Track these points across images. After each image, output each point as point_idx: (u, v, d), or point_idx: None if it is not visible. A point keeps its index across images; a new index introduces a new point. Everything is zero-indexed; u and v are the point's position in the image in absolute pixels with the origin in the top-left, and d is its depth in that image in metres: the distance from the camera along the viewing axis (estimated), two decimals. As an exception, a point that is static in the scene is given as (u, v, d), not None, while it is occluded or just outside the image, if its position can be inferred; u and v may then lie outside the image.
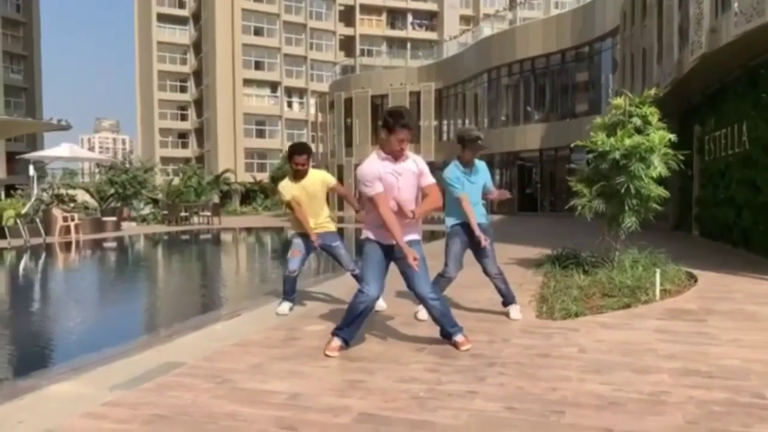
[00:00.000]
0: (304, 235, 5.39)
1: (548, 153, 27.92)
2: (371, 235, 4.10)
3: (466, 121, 32.61)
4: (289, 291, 5.42)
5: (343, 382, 3.48)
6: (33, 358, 4.69)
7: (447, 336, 4.21)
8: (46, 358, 4.70)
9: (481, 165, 5.13)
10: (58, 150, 17.36)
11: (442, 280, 4.97)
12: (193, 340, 4.50)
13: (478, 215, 4.93)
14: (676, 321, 4.99)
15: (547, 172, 29.12)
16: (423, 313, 5.06)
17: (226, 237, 18.50)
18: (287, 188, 5.39)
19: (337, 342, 4.05)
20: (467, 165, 4.98)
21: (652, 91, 7.19)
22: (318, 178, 5.45)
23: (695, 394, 3.20)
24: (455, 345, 4.15)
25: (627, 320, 5.01)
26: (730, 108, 11.13)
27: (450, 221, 5.03)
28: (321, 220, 5.45)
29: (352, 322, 4.07)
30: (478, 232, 4.84)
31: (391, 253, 4.08)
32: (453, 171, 4.96)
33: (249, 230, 20.62)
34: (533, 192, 29.74)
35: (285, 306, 5.38)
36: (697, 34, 9.56)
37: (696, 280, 6.92)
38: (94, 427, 2.83)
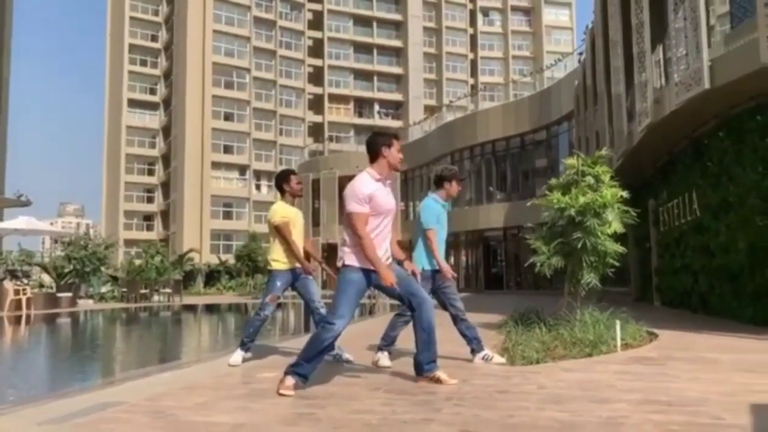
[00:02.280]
0: (285, 275, 5.23)
1: (511, 232, 28.44)
2: (356, 262, 3.94)
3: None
4: (251, 337, 5.21)
5: (292, 414, 3.30)
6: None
7: (423, 370, 4.11)
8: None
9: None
10: (14, 222, 16.92)
11: (403, 319, 4.88)
12: (136, 385, 4.25)
13: (442, 255, 4.97)
14: (637, 365, 4.96)
15: (512, 251, 29.53)
16: (384, 360, 4.92)
17: (187, 312, 17.94)
18: (283, 209, 5.24)
19: (291, 380, 3.83)
20: (447, 200, 5.11)
21: (603, 152, 7.49)
22: (299, 212, 5.43)
23: (654, 417, 3.13)
24: (435, 380, 4.05)
25: (588, 365, 4.95)
26: (679, 179, 11.63)
27: (424, 264, 4.95)
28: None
29: (313, 359, 3.88)
30: (444, 264, 4.86)
31: (372, 279, 3.98)
32: (433, 206, 5.05)
33: (211, 307, 20.06)
34: (498, 271, 29.99)
35: (238, 355, 5.15)
36: (643, 105, 10.13)
37: (657, 336, 6.94)
38: (15, 454, 2.60)
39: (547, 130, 26.84)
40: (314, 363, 3.92)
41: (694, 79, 7.76)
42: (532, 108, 27.32)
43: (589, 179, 7.25)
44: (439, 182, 5.19)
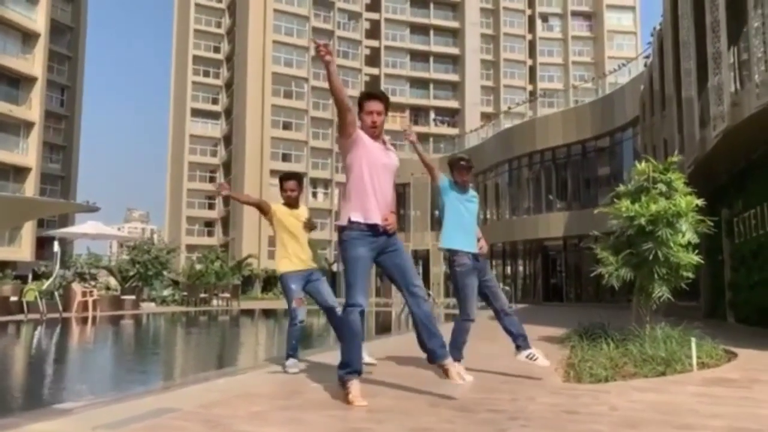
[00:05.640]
0: (297, 277, 5.17)
1: (572, 242, 27.62)
2: (356, 215, 3.73)
3: (487, 211, 32.68)
4: (296, 346, 5.14)
5: (347, 428, 3.15)
6: (19, 404, 4.41)
7: (434, 357, 3.80)
8: (33, 403, 4.41)
9: (474, 195, 5.16)
10: (83, 227, 17.65)
11: (466, 324, 4.71)
12: (192, 391, 4.21)
13: (472, 246, 4.80)
14: (717, 387, 4.57)
15: (572, 262, 28.67)
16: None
17: (244, 317, 18.21)
18: (276, 206, 5.37)
19: (356, 386, 3.66)
20: (458, 186, 5.00)
21: (675, 158, 7.06)
22: (305, 211, 5.49)
23: (746, 448, 2.82)
24: (444, 370, 3.75)
25: (662, 385, 4.60)
26: (757, 186, 10.92)
27: (456, 247, 4.78)
28: (306, 257, 5.30)
29: (354, 349, 3.73)
30: (480, 238, 4.76)
31: (378, 244, 3.76)
32: (446, 180, 5.03)
33: (268, 312, 20.29)
34: (558, 282, 29.17)
35: (293, 363, 5.06)
36: (718, 109, 9.56)
37: (735, 356, 6.45)
38: (69, 459, 2.56)
39: (610, 137, 25.95)
40: (356, 352, 3.74)
41: (778, 80, 7.22)
42: (594, 114, 26.49)
43: (661, 186, 6.85)
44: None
